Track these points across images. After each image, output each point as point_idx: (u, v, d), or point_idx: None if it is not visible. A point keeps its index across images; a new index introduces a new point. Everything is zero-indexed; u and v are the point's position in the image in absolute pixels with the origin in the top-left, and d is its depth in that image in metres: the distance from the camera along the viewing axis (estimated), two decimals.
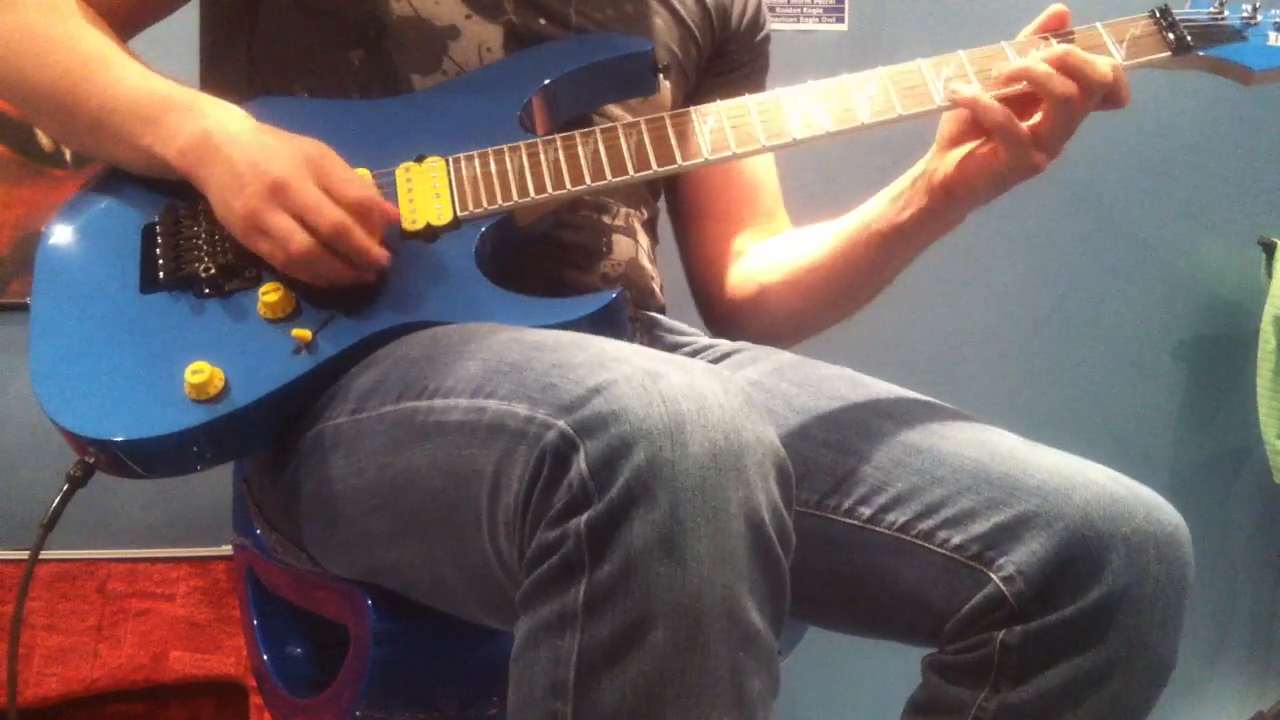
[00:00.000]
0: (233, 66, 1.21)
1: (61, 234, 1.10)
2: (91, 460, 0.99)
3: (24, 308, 1.86)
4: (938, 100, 1.07)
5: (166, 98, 1.06)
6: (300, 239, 0.99)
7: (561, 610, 0.76)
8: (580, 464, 0.75)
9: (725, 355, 1.21)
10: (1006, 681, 0.93)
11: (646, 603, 0.73)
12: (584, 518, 0.74)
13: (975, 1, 2.14)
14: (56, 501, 1.02)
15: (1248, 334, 2.19)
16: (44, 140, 1.83)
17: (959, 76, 1.08)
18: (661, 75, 1.20)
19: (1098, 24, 1.10)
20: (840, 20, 2.16)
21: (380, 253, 1.02)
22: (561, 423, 0.77)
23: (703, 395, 0.77)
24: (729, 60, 1.33)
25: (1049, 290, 2.28)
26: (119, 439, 0.97)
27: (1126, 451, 2.29)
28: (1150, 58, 1.09)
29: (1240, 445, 2.33)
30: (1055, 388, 2.29)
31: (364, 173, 1.07)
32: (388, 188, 1.08)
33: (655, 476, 0.74)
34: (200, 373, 0.97)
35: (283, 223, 0.99)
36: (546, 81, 1.14)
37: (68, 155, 1.83)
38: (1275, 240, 2.16)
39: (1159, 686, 0.94)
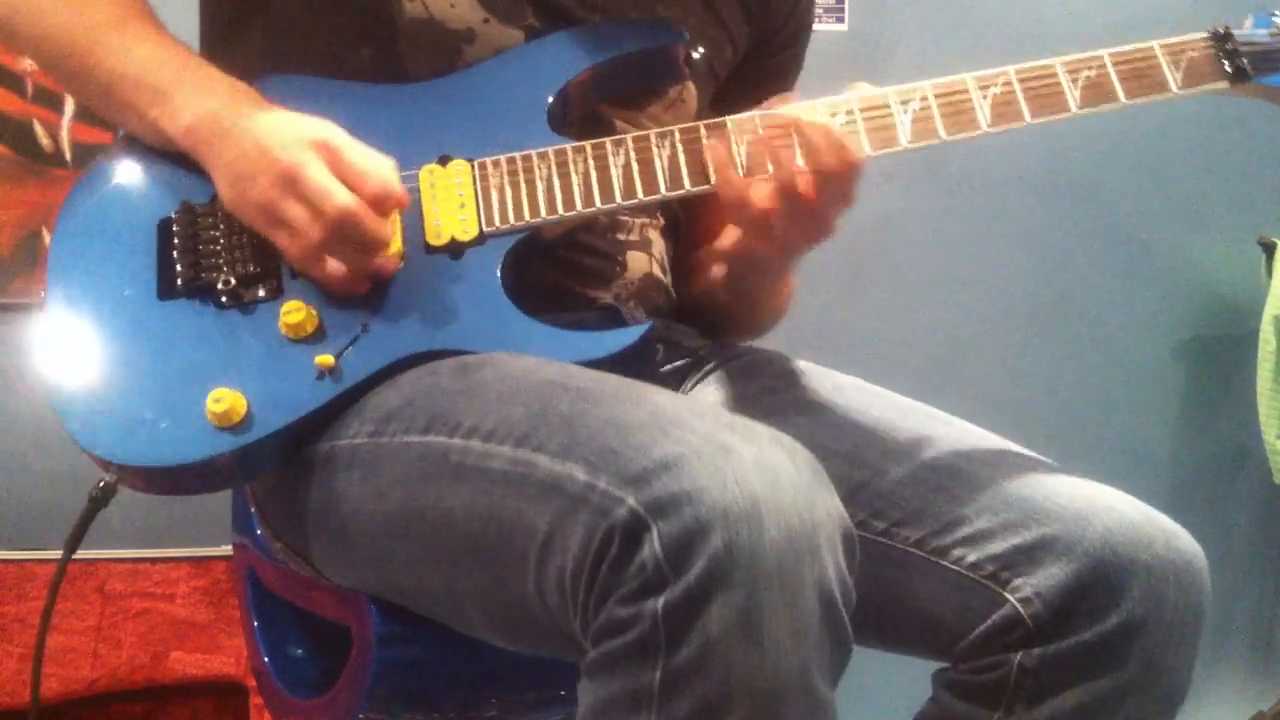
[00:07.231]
0: (243, 44, 1.16)
1: (75, 221, 1.06)
2: (113, 479, 0.99)
3: (24, 308, 1.88)
4: (984, 125, 1.01)
5: (179, 70, 1.03)
6: (316, 231, 0.96)
7: (636, 688, 0.75)
8: (654, 545, 0.74)
9: (733, 358, 1.19)
10: (1021, 703, 0.92)
11: (725, 685, 0.74)
12: (660, 600, 0.74)
13: (975, 1, 2.15)
14: (77, 523, 1.02)
15: (1248, 334, 2.19)
16: (44, 140, 1.83)
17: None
18: (689, 67, 1.15)
19: (1154, 43, 1.01)
20: (840, 20, 2.16)
21: (387, 234, 0.98)
22: (631, 500, 0.76)
23: (775, 473, 0.76)
24: (761, 55, 1.28)
25: (1049, 290, 2.28)
26: (140, 465, 0.97)
27: (1127, 452, 2.30)
28: (1207, 87, 1.00)
29: (1240, 445, 2.33)
30: (1055, 387, 2.29)
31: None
32: (412, 193, 1.04)
33: (733, 562, 0.73)
34: (222, 400, 0.95)
35: (299, 213, 0.97)
36: (574, 73, 1.09)
37: (68, 155, 1.83)
38: (1275, 240, 2.16)
39: (1173, 710, 0.93)
